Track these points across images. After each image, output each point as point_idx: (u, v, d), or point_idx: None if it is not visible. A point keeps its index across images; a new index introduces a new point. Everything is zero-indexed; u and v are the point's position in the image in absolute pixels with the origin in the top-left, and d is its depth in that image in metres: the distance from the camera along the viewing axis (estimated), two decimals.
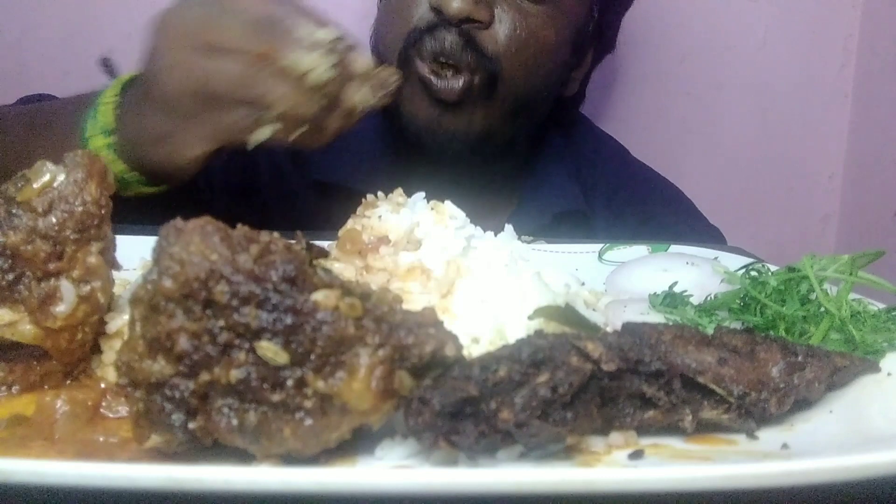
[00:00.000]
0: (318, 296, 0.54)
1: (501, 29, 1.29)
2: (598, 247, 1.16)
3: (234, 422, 0.54)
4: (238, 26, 0.88)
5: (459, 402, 0.53)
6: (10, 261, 0.66)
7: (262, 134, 0.91)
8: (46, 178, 0.68)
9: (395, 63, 1.33)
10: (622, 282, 1.00)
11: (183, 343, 0.53)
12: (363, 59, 0.94)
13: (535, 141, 1.57)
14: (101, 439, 0.62)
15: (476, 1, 1.25)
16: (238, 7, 0.89)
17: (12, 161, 0.98)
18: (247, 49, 0.87)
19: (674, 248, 1.14)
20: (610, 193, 1.61)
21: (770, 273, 0.85)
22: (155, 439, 0.55)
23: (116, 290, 0.74)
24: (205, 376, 0.53)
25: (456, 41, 1.26)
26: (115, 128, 0.97)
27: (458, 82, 1.27)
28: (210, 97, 0.89)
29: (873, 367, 0.71)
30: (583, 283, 0.95)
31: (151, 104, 0.93)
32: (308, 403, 0.53)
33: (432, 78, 1.28)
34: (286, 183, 1.45)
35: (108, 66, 1.03)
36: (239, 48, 0.88)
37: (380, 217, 0.85)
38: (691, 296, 0.88)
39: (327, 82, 0.89)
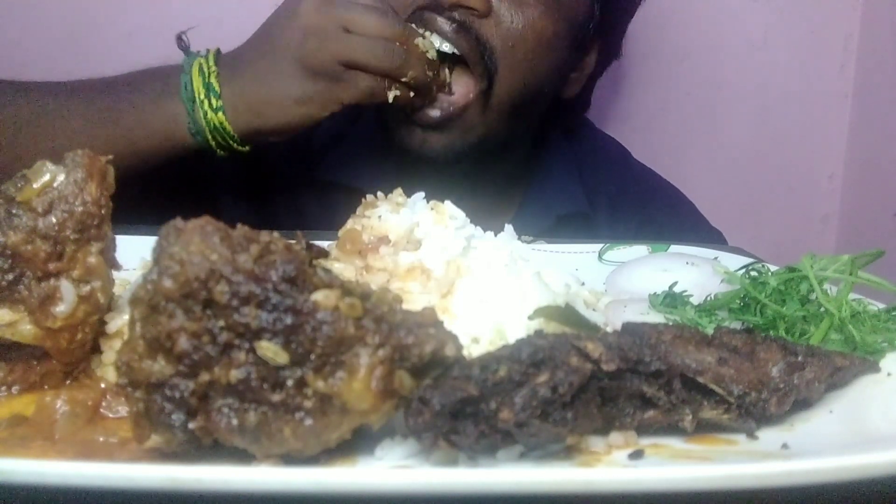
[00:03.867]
0: (318, 296, 0.54)
1: (498, 19, 1.27)
2: (598, 247, 1.16)
3: (234, 422, 0.54)
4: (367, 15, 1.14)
5: (459, 402, 0.53)
6: (10, 261, 0.66)
7: (390, 97, 1.16)
8: (46, 178, 0.68)
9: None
10: (622, 282, 1.00)
11: (183, 343, 0.53)
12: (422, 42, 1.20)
13: (537, 143, 1.56)
14: (101, 439, 0.62)
15: None
16: None
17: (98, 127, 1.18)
18: (377, 33, 1.13)
19: (674, 248, 1.14)
20: (612, 196, 1.60)
21: (770, 273, 0.85)
22: (155, 439, 0.55)
23: (116, 290, 0.74)
24: (205, 376, 0.53)
25: (447, 24, 1.25)
26: (221, 93, 1.15)
27: (436, 112, 1.27)
28: (351, 65, 1.12)
29: (873, 367, 0.71)
30: (583, 283, 0.95)
31: (280, 70, 1.14)
32: (308, 403, 0.53)
33: (408, 108, 1.27)
34: (291, 182, 1.45)
35: (182, 42, 1.23)
36: (371, 31, 1.13)
37: (380, 217, 0.85)
38: (691, 296, 0.88)
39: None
